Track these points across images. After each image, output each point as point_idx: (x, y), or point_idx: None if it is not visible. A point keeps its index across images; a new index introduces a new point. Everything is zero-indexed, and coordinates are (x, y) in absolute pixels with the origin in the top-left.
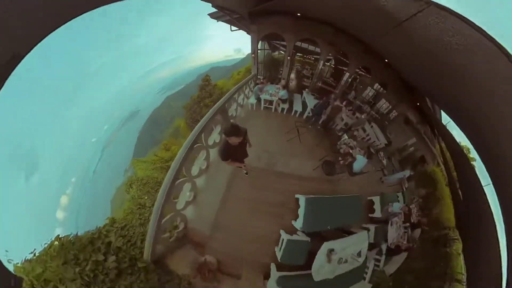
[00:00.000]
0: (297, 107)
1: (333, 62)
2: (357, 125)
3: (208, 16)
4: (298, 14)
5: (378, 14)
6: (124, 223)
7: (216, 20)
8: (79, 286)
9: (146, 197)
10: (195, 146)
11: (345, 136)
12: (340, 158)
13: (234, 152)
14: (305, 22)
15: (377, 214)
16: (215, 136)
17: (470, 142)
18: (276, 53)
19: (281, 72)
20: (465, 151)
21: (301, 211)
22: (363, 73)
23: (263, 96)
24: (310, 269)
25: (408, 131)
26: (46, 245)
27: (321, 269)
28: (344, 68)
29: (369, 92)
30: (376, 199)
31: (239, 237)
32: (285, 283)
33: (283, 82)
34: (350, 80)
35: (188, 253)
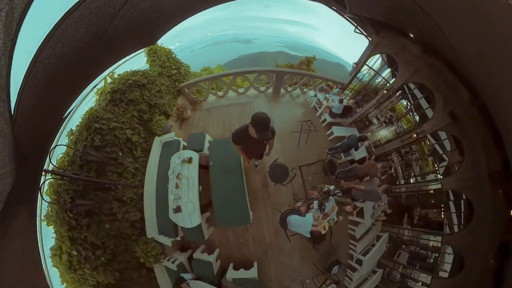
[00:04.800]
0: (338, 132)
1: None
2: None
3: None
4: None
5: None
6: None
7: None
8: None
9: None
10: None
11: (333, 191)
12: (301, 199)
13: (248, 142)
14: (436, 63)
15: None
16: (262, 87)
17: None
18: (381, 79)
19: (365, 104)
20: None
21: (219, 139)
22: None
23: (318, 95)
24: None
25: None
26: None
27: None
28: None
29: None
30: (253, 270)
31: (203, 122)
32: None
33: (351, 102)
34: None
35: (187, 102)
